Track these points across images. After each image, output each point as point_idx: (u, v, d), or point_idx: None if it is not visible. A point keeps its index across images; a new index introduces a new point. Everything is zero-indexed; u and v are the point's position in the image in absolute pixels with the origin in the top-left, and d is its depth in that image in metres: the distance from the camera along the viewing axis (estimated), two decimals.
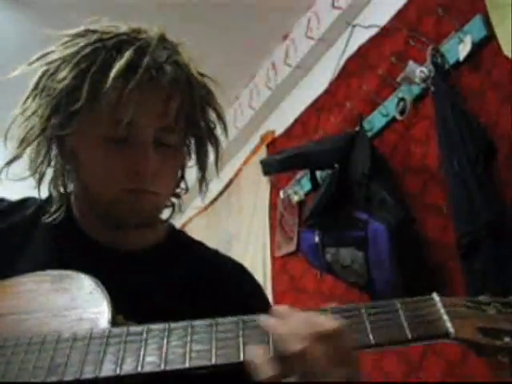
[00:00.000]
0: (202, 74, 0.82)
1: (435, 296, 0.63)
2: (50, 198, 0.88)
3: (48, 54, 0.80)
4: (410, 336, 0.59)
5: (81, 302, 0.67)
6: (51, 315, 0.67)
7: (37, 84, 0.79)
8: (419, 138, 1.91)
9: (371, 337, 0.59)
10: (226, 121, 0.86)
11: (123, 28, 0.79)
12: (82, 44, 0.76)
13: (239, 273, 0.91)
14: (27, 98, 0.80)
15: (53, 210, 0.83)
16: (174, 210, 0.89)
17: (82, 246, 0.83)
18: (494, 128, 1.62)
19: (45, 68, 0.79)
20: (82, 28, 0.80)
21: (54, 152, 0.82)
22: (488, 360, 0.59)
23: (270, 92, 2.85)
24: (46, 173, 0.82)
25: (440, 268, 1.73)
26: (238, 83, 2.85)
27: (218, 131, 0.86)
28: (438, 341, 0.61)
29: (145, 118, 0.76)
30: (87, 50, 0.75)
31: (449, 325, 0.60)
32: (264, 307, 0.88)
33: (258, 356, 0.57)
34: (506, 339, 0.58)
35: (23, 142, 0.80)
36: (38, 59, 0.81)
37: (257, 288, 0.92)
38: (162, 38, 0.78)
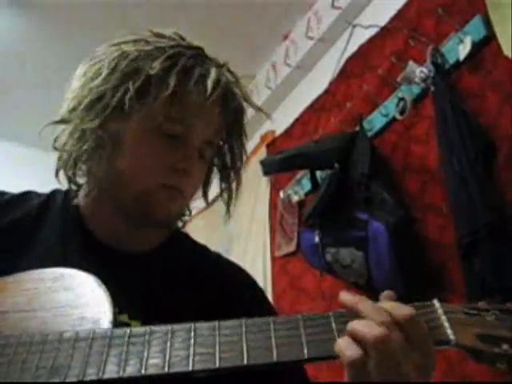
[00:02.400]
0: (260, 110, 0.90)
1: (436, 302, 0.63)
2: (53, 193, 0.88)
3: (127, 42, 0.83)
4: None
5: (82, 301, 0.67)
6: (53, 314, 0.67)
7: (118, 64, 0.80)
8: (419, 138, 1.91)
9: None
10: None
11: (196, 42, 0.85)
12: (169, 44, 0.81)
13: (241, 277, 0.92)
14: (101, 74, 0.80)
15: (77, 199, 0.85)
16: (182, 221, 0.92)
17: (88, 245, 0.83)
18: (494, 128, 1.62)
19: (126, 52, 0.80)
20: (169, 30, 0.85)
21: (98, 131, 0.80)
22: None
23: (270, 92, 2.85)
24: (86, 151, 0.80)
25: (440, 268, 1.73)
26: None
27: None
28: (438, 347, 0.61)
29: (203, 125, 0.82)
30: (172, 51, 0.80)
31: (449, 332, 0.60)
32: (266, 312, 0.89)
33: (341, 340, 0.58)
34: (504, 346, 0.58)
35: (84, 111, 0.79)
36: (116, 44, 0.83)
37: (259, 292, 0.92)
38: (228, 65, 0.85)
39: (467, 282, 1.54)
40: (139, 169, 0.80)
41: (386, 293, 0.64)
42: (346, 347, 0.57)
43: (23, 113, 2.94)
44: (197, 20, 2.50)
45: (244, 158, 0.90)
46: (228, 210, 0.91)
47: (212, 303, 0.81)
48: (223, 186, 0.91)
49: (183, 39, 0.84)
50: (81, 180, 0.85)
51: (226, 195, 0.91)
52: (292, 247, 2.52)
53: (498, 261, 1.44)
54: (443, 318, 0.61)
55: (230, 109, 0.84)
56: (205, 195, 0.93)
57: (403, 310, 0.58)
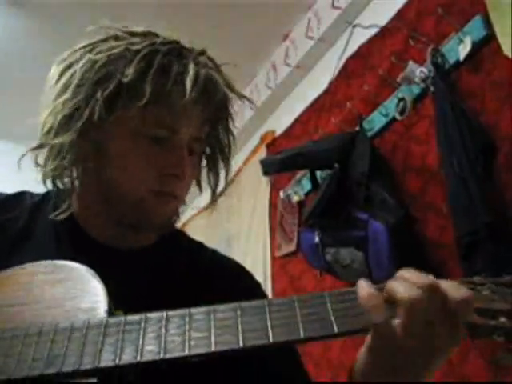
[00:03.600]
0: (243, 96, 0.86)
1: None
2: (48, 194, 0.88)
3: (95, 44, 0.80)
4: None
5: (77, 293, 0.67)
6: (47, 306, 0.66)
7: (87, 72, 0.77)
8: (419, 138, 1.91)
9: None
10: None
11: (166, 34, 0.82)
12: (142, 43, 0.78)
13: (238, 272, 0.91)
14: (71, 85, 0.77)
15: (65, 206, 0.82)
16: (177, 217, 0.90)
17: (82, 244, 0.82)
18: (494, 128, 1.62)
19: (96, 58, 0.77)
20: (140, 28, 0.82)
21: (78, 142, 0.78)
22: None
23: (270, 92, 2.85)
24: (67, 166, 0.79)
25: (440, 268, 1.73)
26: (238, 83, 2.86)
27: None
28: None
29: (188, 124, 0.79)
30: (146, 50, 0.77)
31: None
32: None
33: (371, 296, 0.57)
34: (502, 319, 0.58)
35: (60, 129, 0.77)
36: (84, 47, 0.80)
37: (256, 287, 0.92)
38: (207, 54, 0.82)
39: None
40: (129, 179, 0.78)
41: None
42: (374, 308, 0.56)
43: (23, 112, 2.94)
44: (197, 20, 2.50)
45: (232, 144, 0.87)
46: (213, 198, 0.89)
47: (208, 299, 0.81)
48: (211, 175, 0.88)
49: (156, 35, 0.80)
50: (68, 184, 0.83)
51: (213, 182, 0.88)
52: (292, 247, 2.52)
53: (498, 261, 1.44)
54: None
55: (212, 100, 0.80)
56: (198, 183, 0.91)
57: (460, 291, 0.57)
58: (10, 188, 0.92)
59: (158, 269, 0.84)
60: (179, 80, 0.75)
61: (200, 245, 0.93)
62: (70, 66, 0.79)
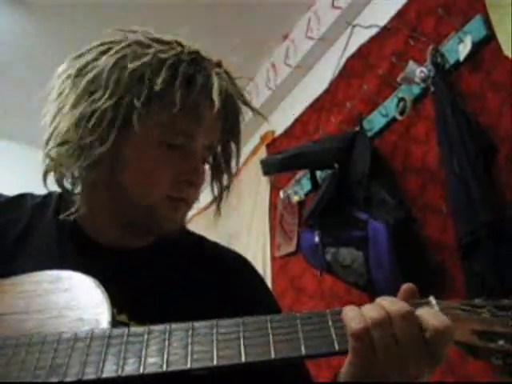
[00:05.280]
0: (258, 112, 0.88)
1: (432, 299, 0.64)
2: (49, 196, 0.88)
3: (117, 45, 0.80)
4: None
5: (80, 303, 0.67)
6: (51, 315, 0.67)
7: (111, 75, 0.76)
8: (419, 138, 1.91)
9: None
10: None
11: (185, 43, 0.83)
12: (170, 52, 0.79)
13: (240, 264, 0.92)
14: (92, 84, 0.77)
15: (76, 206, 0.81)
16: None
17: (83, 244, 0.82)
18: (495, 128, 1.62)
19: (120, 63, 0.77)
20: (166, 37, 0.82)
21: (103, 145, 0.77)
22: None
23: (270, 92, 2.85)
24: (84, 167, 0.78)
25: (440, 268, 1.73)
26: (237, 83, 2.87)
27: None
28: None
29: (203, 133, 0.81)
30: (172, 60, 0.78)
31: None
32: (266, 296, 0.88)
33: (350, 310, 0.59)
34: (500, 342, 0.59)
35: (86, 125, 0.76)
36: (105, 47, 0.80)
37: (258, 277, 0.92)
38: (223, 65, 0.84)
39: (467, 282, 1.54)
40: (144, 183, 0.78)
41: (406, 285, 0.66)
42: (351, 318, 0.58)
43: (23, 112, 2.94)
44: (197, 20, 2.51)
45: (239, 159, 0.90)
46: (218, 210, 0.91)
47: (212, 293, 0.81)
48: (216, 186, 0.89)
49: (181, 45, 0.81)
50: (70, 185, 0.83)
51: (218, 195, 0.89)
52: (292, 247, 2.52)
53: (498, 261, 1.44)
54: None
55: (229, 112, 0.83)
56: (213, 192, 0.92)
57: (438, 321, 0.58)
58: (9, 187, 0.92)
59: (161, 267, 0.84)
60: (204, 91, 0.77)
61: (201, 238, 0.93)
62: (87, 65, 0.79)
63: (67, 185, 0.83)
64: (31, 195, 0.90)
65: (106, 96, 0.76)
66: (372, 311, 0.59)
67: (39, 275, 0.73)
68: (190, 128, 0.79)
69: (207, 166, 0.88)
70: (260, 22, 2.63)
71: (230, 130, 0.86)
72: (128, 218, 0.81)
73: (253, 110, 0.87)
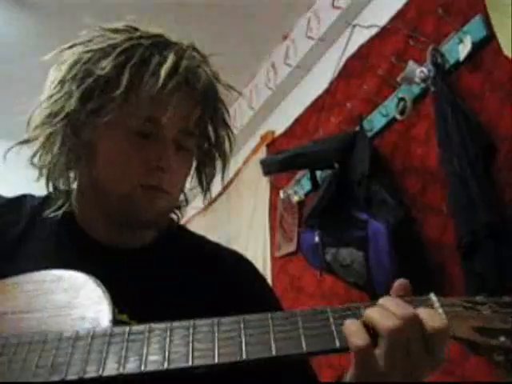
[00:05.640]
0: (230, 87, 0.85)
1: (432, 296, 0.64)
2: (49, 197, 0.88)
3: (81, 43, 0.81)
4: None
5: (81, 302, 0.67)
6: (52, 314, 0.67)
7: (69, 70, 0.78)
8: (419, 138, 1.91)
9: None
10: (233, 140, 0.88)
11: (155, 30, 0.82)
12: (122, 38, 0.78)
13: (241, 264, 0.91)
14: (55, 83, 0.79)
15: (57, 205, 0.83)
16: (177, 215, 0.90)
17: (82, 244, 0.83)
18: (494, 128, 1.62)
19: (79, 56, 0.78)
20: (121, 24, 0.82)
21: (68, 142, 0.79)
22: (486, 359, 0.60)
23: (270, 92, 2.85)
24: (57, 164, 0.80)
25: (440, 268, 1.74)
26: (238, 83, 2.86)
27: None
28: None
29: (172, 118, 0.78)
30: (126, 44, 0.77)
31: None
32: (267, 295, 0.88)
33: (351, 324, 0.58)
34: (502, 338, 0.59)
35: (44, 125, 0.79)
36: (70, 47, 0.82)
37: (259, 277, 0.92)
38: (194, 46, 0.82)
39: (467, 282, 1.54)
40: (114, 174, 0.78)
41: (400, 282, 0.65)
42: (354, 333, 0.57)
43: (23, 112, 2.94)
44: (197, 20, 2.50)
45: (231, 139, 0.86)
46: (207, 190, 0.89)
47: (213, 292, 0.81)
48: (207, 169, 0.88)
49: (137, 30, 0.81)
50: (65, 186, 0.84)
51: (208, 175, 0.88)
52: (292, 247, 2.52)
53: (498, 261, 1.44)
54: (440, 311, 0.61)
55: (197, 92, 0.79)
56: (200, 182, 0.90)
57: (436, 321, 0.58)
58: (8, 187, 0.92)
59: (161, 267, 0.84)
60: (156, 71, 0.75)
61: (202, 238, 0.93)
62: (58, 67, 0.81)
63: (61, 186, 0.84)
64: (31, 196, 0.90)
65: (59, 89, 0.78)
66: (381, 318, 0.57)
67: (40, 275, 0.73)
68: (149, 111, 0.77)
69: (196, 154, 0.86)
70: (260, 22, 2.63)
71: (206, 111, 0.82)
72: (111, 214, 0.81)
73: (227, 87, 0.84)
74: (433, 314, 0.59)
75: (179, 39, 0.82)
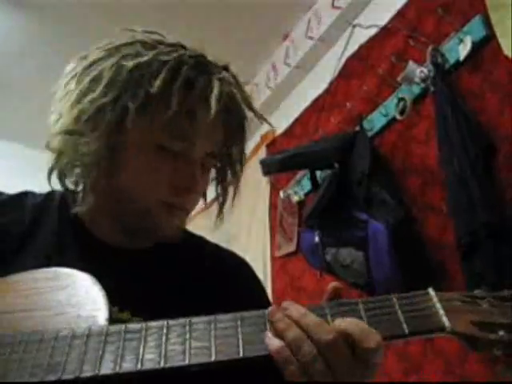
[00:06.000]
0: (262, 118, 0.87)
1: (431, 291, 0.64)
2: (50, 194, 0.88)
3: (121, 47, 0.80)
4: (406, 331, 0.59)
5: (78, 300, 0.67)
6: (49, 313, 0.67)
7: (115, 74, 0.77)
8: (419, 138, 1.91)
9: None
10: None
11: (197, 49, 0.82)
12: (172, 55, 0.78)
13: (239, 266, 0.92)
14: (94, 81, 0.77)
15: (82, 202, 0.82)
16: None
17: (87, 243, 0.83)
18: (494, 128, 1.62)
19: (123, 62, 0.77)
20: (169, 39, 0.82)
21: (100, 148, 0.77)
22: (485, 356, 0.60)
23: (270, 92, 2.85)
24: (82, 166, 0.79)
25: (440, 268, 1.73)
26: None
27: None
28: (435, 335, 0.61)
29: (204, 140, 0.80)
30: (174, 62, 0.77)
31: (445, 319, 0.60)
32: (262, 300, 0.88)
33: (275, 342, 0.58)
34: (501, 333, 0.59)
35: (86, 122, 0.77)
36: (109, 48, 0.81)
37: (255, 280, 0.92)
38: (228, 67, 0.83)
39: (467, 282, 1.54)
40: (139, 186, 0.78)
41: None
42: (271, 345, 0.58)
43: (23, 113, 2.94)
44: (197, 20, 2.51)
45: (243, 162, 0.88)
46: (220, 214, 0.91)
47: (211, 293, 0.81)
48: (220, 190, 0.89)
49: (184, 48, 0.81)
50: (73, 184, 0.83)
51: (221, 199, 0.89)
52: (292, 247, 2.52)
53: (498, 261, 1.44)
54: (438, 305, 0.61)
55: (232, 118, 0.82)
56: (204, 196, 0.92)
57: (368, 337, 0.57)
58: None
59: (162, 267, 0.84)
60: (203, 96, 0.76)
61: (202, 240, 0.94)
62: (95, 63, 0.79)
63: (69, 184, 0.83)
64: (32, 193, 0.90)
65: (104, 94, 0.76)
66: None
67: (38, 273, 0.73)
68: (187, 133, 0.78)
69: (212, 171, 0.88)
70: (260, 22, 2.63)
71: (233, 136, 0.84)
72: (126, 223, 0.81)
73: (259, 116, 0.86)
74: (362, 330, 0.58)
75: (178, 39, 0.82)
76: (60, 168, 0.81)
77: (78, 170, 0.81)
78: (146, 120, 0.76)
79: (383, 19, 2.14)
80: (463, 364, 1.58)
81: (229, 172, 0.88)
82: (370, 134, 2.06)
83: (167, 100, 0.74)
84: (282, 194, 2.64)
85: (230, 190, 0.90)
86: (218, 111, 0.76)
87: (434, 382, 1.68)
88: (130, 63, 0.77)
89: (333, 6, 2.41)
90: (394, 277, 1.72)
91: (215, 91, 0.76)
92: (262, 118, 0.86)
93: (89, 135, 0.76)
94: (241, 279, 0.88)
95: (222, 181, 0.89)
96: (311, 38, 2.55)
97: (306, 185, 2.40)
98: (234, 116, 0.81)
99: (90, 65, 0.80)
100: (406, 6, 2.05)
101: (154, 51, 0.78)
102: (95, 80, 0.78)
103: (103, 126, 0.76)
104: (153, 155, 0.78)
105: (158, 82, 0.75)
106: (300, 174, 2.47)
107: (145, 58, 0.77)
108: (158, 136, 0.78)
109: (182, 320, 0.61)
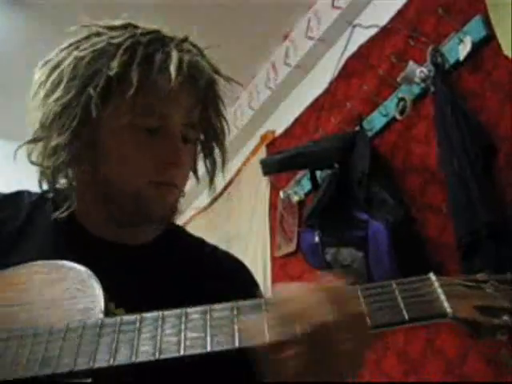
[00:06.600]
0: (230, 79, 0.86)
1: (432, 276, 0.62)
2: (45, 193, 0.88)
3: (79, 42, 0.81)
4: (406, 317, 0.58)
5: (74, 293, 0.67)
6: (44, 306, 0.66)
7: (74, 69, 0.78)
8: (419, 138, 1.91)
9: (368, 320, 0.58)
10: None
11: (151, 26, 0.83)
12: (123, 36, 0.79)
13: (237, 269, 0.91)
14: (55, 82, 0.79)
15: (67, 205, 0.82)
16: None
17: (81, 240, 0.82)
18: (494, 128, 1.62)
19: (82, 55, 0.78)
20: (119, 22, 0.83)
21: (75, 142, 0.78)
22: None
23: (270, 92, 2.85)
24: (62, 167, 0.80)
25: (440, 268, 1.73)
26: None
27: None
28: (436, 321, 0.59)
29: (179, 112, 0.80)
30: (128, 42, 0.78)
31: (446, 304, 0.58)
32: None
33: (253, 324, 0.57)
34: (505, 317, 0.57)
35: (52, 125, 0.78)
36: (68, 46, 0.82)
37: (253, 282, 0.92)
38: (189, 39, 0.82)
39: None
40: (126, 172, 0.78)
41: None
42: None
43: (23, 113, 2.94)
44: (197, 20, 2.50)
45: (226, 128, 0.87)
46: (211, 183, 0.89)
47: (207, 295, 0.81)
48: (208, 163, 0.88)
49: (136, 27, 0.82)
50: (62, 186, 0.84)
51: (210, 168, 0.88)
52: (292, 247, 2.52)
53: (498, 261, 1.44)
54: (439, 290, 0.59)
55: (198, 84, 0.80)
56: (194, 172, 0.91)
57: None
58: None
59: (159, 265, 0.84)
60: (164, 68, 0.76)
61: (201, 241, 0.93)
62: (57, 66, 0.80)
63: (59, 185, 0.83)
64: (28, 192, 0.90)
65: (67, 91, 0.77)
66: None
67: (32, 266, 0.72)
68: (156, 107, 0.78)
69: (198, 146, 0.87)
70: (260, 22, 2.63)
71: (206, 102, 0.84)
72: (118, 213, 0.81)
73: (227, 79, 0.85)
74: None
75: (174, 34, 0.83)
76: (46, 178, 0.82)
77: (63, 173, 0.82)
78: (113, 105, 0.77)
79: (383, 19, 2.14)
80: (463, 364, 1.58)
81: (214, 144, 0.87)
82: (369, 134, 2.06)
83: (128, 79, 0.75)
84: (281, 194, 2.64)
85: (219, 161, 0.89)
86: (182, 80, 0.76)
87: (433, 382, 1.68)
88: (86, 56, 0.78)
89: (333, 6, 2.41)
90: (393, 277, 1.72)
91: (174, 60, 0.76)
92: (230, 79, 0.86)
93: (57, 135, 0.77)
94: (238, 282, 0.88)
95: (210, 154, 0.88)
96: (311, 38, 2.55)
97: (306, 185, 2.40)
98: (201, 82, 0.80)
99: (53, 68, 0.81)
100: (405, 6, 2.05)
101: (107, 36, 0.79)
102: (57, 81, 0.79)
103: (72, 122, 0.76)
104: (129, 137, 0.78)
105: (114, 64, 0.75)
106: (300, 173, 2.47)
107: (99, 46, 0.78)
108: (129, 117, 0.78)
109: (177, 311, 0.61)
